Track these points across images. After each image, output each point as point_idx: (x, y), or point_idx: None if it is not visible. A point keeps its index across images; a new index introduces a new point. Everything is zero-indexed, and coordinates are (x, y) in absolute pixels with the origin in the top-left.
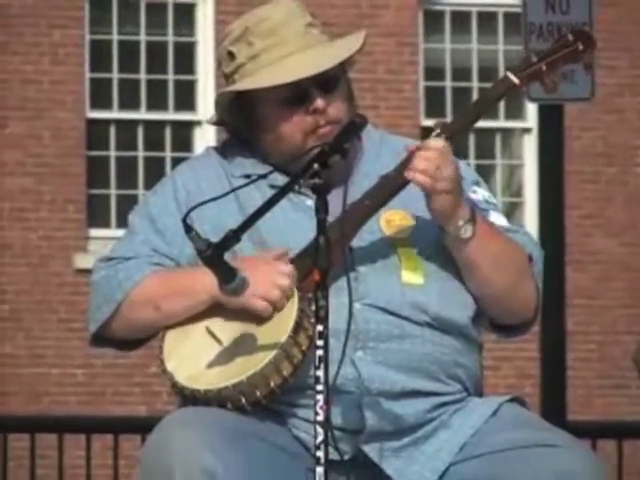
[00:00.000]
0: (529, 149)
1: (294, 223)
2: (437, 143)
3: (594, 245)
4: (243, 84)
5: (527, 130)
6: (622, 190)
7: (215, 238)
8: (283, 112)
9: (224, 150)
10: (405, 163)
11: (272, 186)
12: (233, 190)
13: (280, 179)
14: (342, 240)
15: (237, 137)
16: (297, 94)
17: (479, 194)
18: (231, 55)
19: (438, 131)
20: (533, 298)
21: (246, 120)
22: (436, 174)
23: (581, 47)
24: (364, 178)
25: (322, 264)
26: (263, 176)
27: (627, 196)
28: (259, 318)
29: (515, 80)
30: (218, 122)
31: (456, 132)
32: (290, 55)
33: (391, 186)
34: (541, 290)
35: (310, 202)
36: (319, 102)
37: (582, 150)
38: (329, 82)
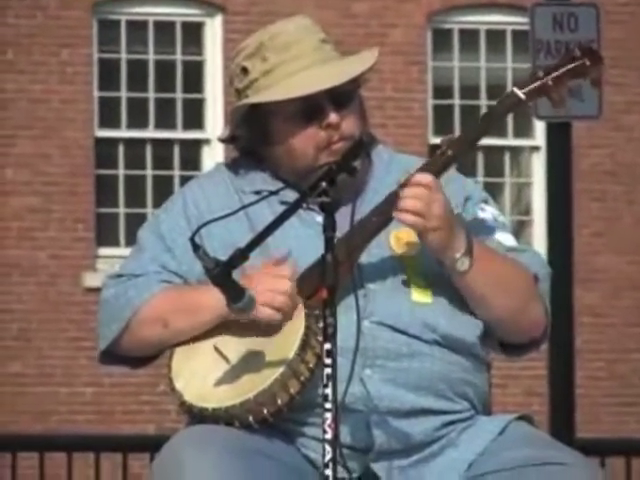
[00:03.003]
0: (537, 167)
1: (303, 240)
2: (425, 178)
3: (602, 263)
4: (257, 97)
5: (535, 148)
6: (630, 208)
7: (225, 256)
8: (296, 126)
9: (234, 166)
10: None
11: (283, 202)
12: (243, 207)
13: (291, 195)
14: (349, 257)
15: (248, 154)
16: (311, 108)
17: (487, 212)
18: (245, 71)
19: (445, 148)
20: (540, 318)
21: (259, 134)
22: (426, 212)
23: (588, 63)
24: (373, 196)
25: (329, 282)
26: (274, 192)
27: (635, 214)
28: (268, 332)
29: (521, 95)
30: (229, 139)
31: (463, 149)
32: (304, 69)
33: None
34: (549, 308)
35: (320, 218)
36: (333, 117)
37: (590, 168)
38: (343, 97)
